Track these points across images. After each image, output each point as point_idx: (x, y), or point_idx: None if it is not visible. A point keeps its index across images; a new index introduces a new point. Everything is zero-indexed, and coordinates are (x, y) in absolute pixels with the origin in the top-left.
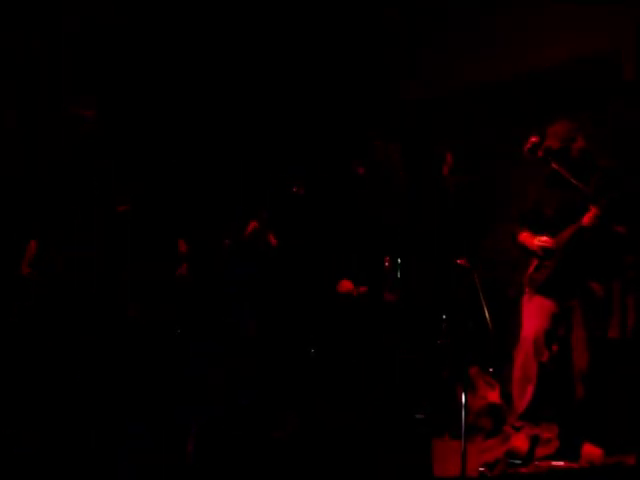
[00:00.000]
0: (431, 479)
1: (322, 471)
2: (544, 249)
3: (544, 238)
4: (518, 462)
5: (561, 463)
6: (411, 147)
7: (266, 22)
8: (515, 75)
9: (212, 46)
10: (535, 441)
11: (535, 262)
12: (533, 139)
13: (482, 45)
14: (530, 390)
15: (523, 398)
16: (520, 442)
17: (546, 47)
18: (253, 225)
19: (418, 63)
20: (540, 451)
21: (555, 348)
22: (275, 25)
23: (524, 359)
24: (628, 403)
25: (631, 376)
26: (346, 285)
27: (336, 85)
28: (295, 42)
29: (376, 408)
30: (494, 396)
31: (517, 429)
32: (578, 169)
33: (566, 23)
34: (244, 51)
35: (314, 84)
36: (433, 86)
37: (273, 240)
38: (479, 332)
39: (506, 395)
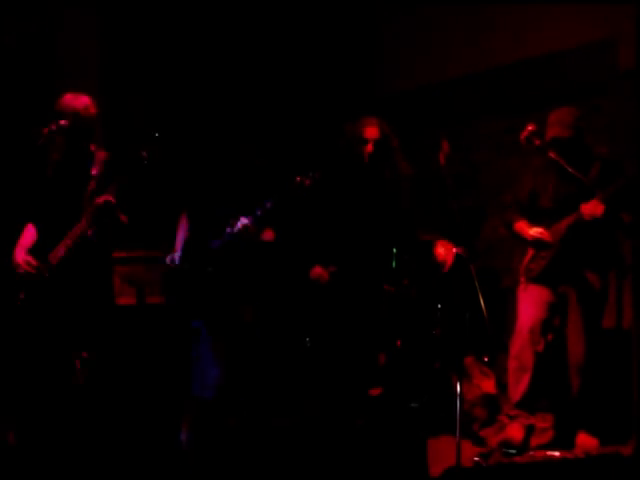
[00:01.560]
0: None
1: (318, 461)
2: (538, 240)
3: (539, 229)
4: (513, 452)
5: (556, 453)
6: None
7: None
8: (508, 63)
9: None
10: (530, 431)
11: (531, 252)
12: (530, 127)
13: (475, 33)
14: (526, 379)
15: (518, 387)
16: (515, 431)
17: (541, 35)
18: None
19: (405, 52)
20: (535, 441)
21: (550, 337)
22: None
23: (520, 349)
24: (623, 393)
25: (627, 366)
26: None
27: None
28: (276, 36)
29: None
30: (489, 386)
31: (512, 418)
32: (576, 158)
33: (561, 10)
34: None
35: (296, 77)
36: (421, 75)
37: (269, 234)
38: (474, 322)
39: (501, 385)
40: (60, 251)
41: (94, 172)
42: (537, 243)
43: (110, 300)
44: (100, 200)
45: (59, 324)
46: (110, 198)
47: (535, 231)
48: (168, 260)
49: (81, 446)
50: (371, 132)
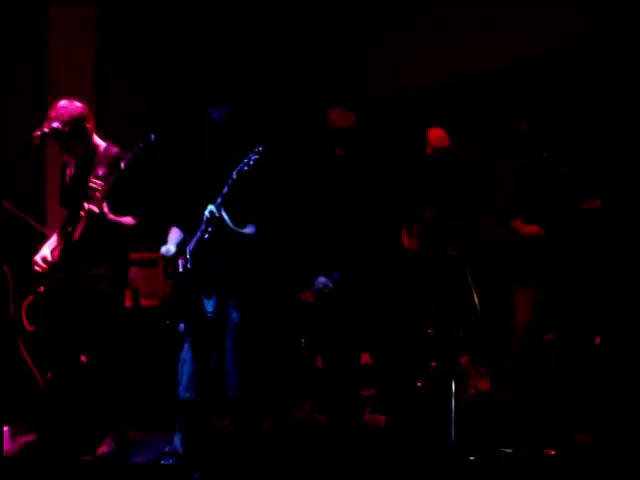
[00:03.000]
0: None
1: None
2: (533, 238)
3: (534, 227)
4: (509, 450)
5: (552, 451)
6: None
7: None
8: (497, 66)
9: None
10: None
11: (524, 251)
12: (522, 126)
13: (461, 36)
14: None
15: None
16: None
17: (525, 37)
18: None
19: (395, 55)
20: (530, 438)
21: (549, 337)
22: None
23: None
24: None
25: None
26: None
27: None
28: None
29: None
30: (485, 385)
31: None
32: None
33: (551, 12)
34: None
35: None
36: (412, 78)
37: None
38: (469, 321)
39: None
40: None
41: (100, 172)
42: (532, 241)
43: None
44: (85, 209)
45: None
46: (94, 209)
47: (530, 229)
48: (163, 251)
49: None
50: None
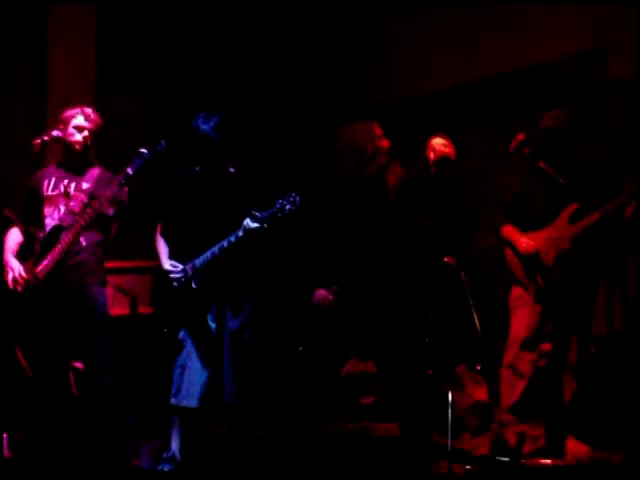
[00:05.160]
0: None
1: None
2: (531, 256)
3: (531, 243)
4: (505, 459)
5: (548, 461)
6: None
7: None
8: (498, 73)
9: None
10: (522, 438)
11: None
12: (520, 137)
13: (463, 44)
14: (520, 387)
15: (512, 395)
16: (508, 437)
17: (529, 45)
18: None
19: (396, 61)
20: (527, 448)
21: (548, 347)
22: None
23: (513, 358)
24: (615, 399)
25: (619, 372)
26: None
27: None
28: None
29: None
30: (481, 394)
31: (504, 425)
32: (565, 167)
33: (550, 20)
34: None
35: (284, 82)
36: (411, 85)
37: None
38: (466, 330)
39: (494, 393)
40: (48, 264)
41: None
42: (529, 258)
43: (104, 310)
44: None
45: (52, 334)
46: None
47: (528, 245)
48: (168, 267)
49: (75, 454)
50: None
